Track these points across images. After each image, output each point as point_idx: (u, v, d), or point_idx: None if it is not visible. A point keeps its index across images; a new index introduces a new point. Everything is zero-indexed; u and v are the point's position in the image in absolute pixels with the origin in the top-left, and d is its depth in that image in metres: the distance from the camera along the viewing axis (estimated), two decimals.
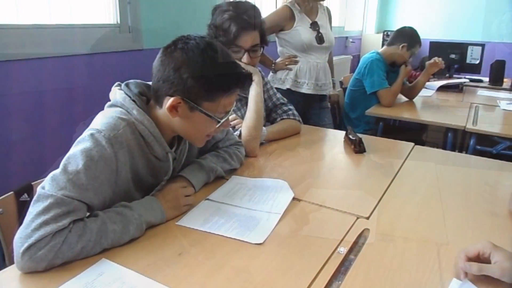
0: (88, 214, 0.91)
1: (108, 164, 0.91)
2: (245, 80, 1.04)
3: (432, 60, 2.73)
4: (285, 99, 1.82)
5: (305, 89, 2.46)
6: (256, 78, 1.53)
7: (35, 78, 1.70)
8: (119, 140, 0.93)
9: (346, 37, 5.01)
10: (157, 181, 1.10)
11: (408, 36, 2.79)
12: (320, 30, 2.41)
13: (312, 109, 2.59)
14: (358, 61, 2.90)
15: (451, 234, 1.01)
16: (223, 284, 0.80)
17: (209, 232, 0.97)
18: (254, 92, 1.52)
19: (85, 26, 1.92)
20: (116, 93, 1.03)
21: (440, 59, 2.71)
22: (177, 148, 1.13)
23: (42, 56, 1.70)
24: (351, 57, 4.88)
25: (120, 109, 1.00)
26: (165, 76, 0.96)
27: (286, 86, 2.44)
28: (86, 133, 0.92)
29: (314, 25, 2.40)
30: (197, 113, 0.99)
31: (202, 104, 0.99)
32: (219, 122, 1.03)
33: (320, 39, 2.40)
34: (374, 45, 2.89)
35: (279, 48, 2.51)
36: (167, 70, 0.96)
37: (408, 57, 2.75)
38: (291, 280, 0.81)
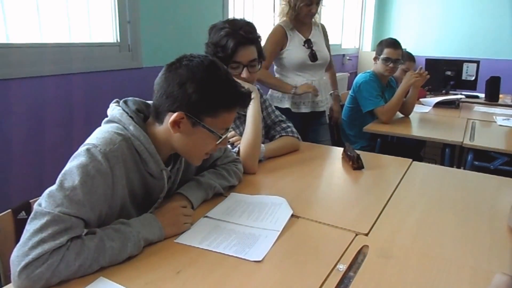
0: (85, 230, 0.90)
1: (104, 179, 0.91)
2: (246, 97, 1.07)
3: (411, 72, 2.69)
4: (283, 116, 1.83)
5: (303, 109, 2.49)
6: (253, 95, 1.54)
7: (34, 97, 1.71)
8: (115, 155, 0.94)
9: (343, 55, 5.07)
10: (151, 199, 1.10)
11: (376, 47, 2.82)
12: (314, 48, 2.44)
13: (311, 126, 2.61)
14: (354, 80, 2.93)
15: (451, 250, 1.00)
16: None
17: (208, 250, 0.97)
18: (252, 108, 1.53)
19: (84, 44, 1.95)
20: (114, 109, 1.04)
21: (422, 69, 2.67)
22: (173, 167, 1.13)
23: (42, 75, 1.72)
24: (348, 74, 4.93)
25: (117, 124, 1.01)
26: (169, 92, 0.98)
27: (286, 105, 2.46)
28: (82, 148, 0.92)
29: (308, 43, 2.43)
30: (199, 129, 1.00)
31: (204, 119, 1.00)
32: (220, 138, 1.04)
33: (313, 56, 2.42)
34: (371, 62, 2.91)
35: (275, 68, 2.54)
36: (171, 85, 0.98)
37: (388, 69, 2.73)
38: None
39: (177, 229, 1.03)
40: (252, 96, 1.54)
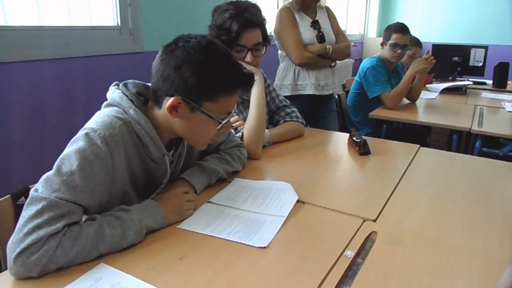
0: (86, 218, 0.88)
1: (103, 165, 0.88)
2: (248, 80, 1.01)
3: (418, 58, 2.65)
4: (288, 101, 1.79)
5: (307, 91, 2.43)
6: (257, 79, 1.51)
7: (34, 81, 1.68)
8: (114, 140, 0.90)
9: None
10: (154, 184, 1.06)
11: (384, 32, 2.75)
12: (321, 29, 2.39)
13: (319, 112, 2.55)
14: (359, 66, 2.87)
15: (462, 237, 0.97)
16: None
17: (211, 236, 0.94)
18: (255, 92, 1.49)
19: (85, 28, 1.91)
20: (113, 93, 1.01)
21: (429, 53, 2.63)
22: (175, 151, 1.10)
23: (42, 59, 1.68)
24: (353, 61, 4.86)
25: (117, 108, 0.97)
26: (165, 75, 0.93)
27: (286, 93, 2.41)
28: (81, 132, 0.89)
29: (315, 24, 2.38)
30: (197, 114, 0.96)
31: (203, 104, 0.95)
32: (220, 123, 1.00)
33: (321, 38, 2.38)
34: (376, 48, 2.86)
35: (280, 51, 2.49)
36: (168, 69, 0.93)
37: (396, 55, 2.68)
38: (297, 284, 0.78)
39: (180, 215, 1.01)
40: (256, 79, 1.52)
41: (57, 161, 0.85)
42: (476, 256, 0.89)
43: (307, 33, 2.37)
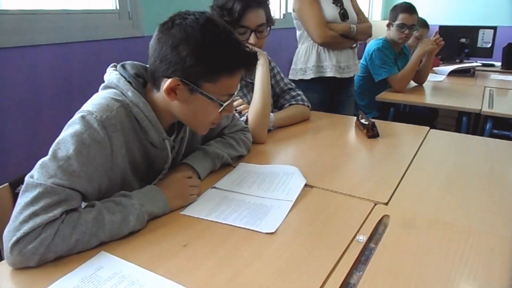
0: (85, 204, 0.84)
1: (101, 149, 0.83)
2: (250, 58, 0.94)
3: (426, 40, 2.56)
4: (293, 84, 1.74)
5: (328, 73, 2.26)
6: (261, 60, 1.46)
7: (31, 67, 1.63)
8: (112, 123, 0.86)
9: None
10: (155, 170, 1.02)
11: (390, 13, 2.66)
12: (344, 5, 2.23)
13: (338, 96, 2.42)
14: (365, 48, 2.80)
15: (479, 220, 0.93)
16: (233, 276, 0.73)
17: (216, 222, 0.90)
18: (260, 74, 1.44)
19: (82, 12, 1.85)
20: (111, 74, 0.96)
21: (437, 34, 2.55)
22: (177, 136, 1.05)
23: (38, 44, 1.63)
24: (358, 44, 4.76)
25: (114, 90, 0.92)
26: (162, 55, 0.88)
27: (310, 75, 2.26)
28: (77, 115, 0.84)
29: (337, 1, 2.22)
30: (197, 96, 0.91)
31: (202, 85, 0.90)
32: (221, 105, 0.94)
33: (343, 15, 2.22)
34: (380, 32, 2.78)
35: (298, 32, 2.34)
36: (164, 48, 0.87)
37: (403, 36, 2.60)
38: (308, 271, 0.74)
39: (183, 201, 0.97)
40: (260, 61, 1.47)
41: (53, 145, 0.80)
42: (496, 239, 0.84)
43: (330, 10, 2.20)
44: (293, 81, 2.06)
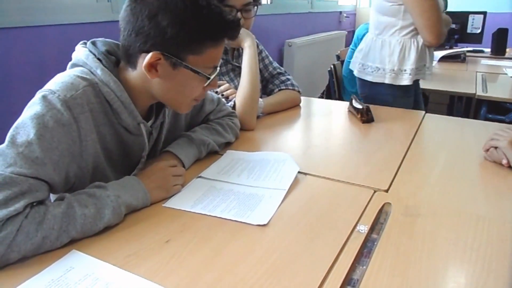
0: (54, 198, 0.75)
1: (66, 132, 0.74)
2: (234, 25, 0.85)
3: None
4: (282, 68, 1.65)
5: (427, 76, 1.80)
6: (249, 41, 1.37)
7: (2, 50, 1.51)
8: (78, 102, 0.76)
9: (340, 12, 4.81)
10: (132, 160, 0.93)
11: None
12: None
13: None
14: (353, 37, 2.72)
15: (486, 206, 0.86)
16: (221, 274, 0.64)
17: (202, 214, 0.82)
18: (247, 56, 1.35)
19: None
20: (79, 51, 0.86)
21: None
22: (155, 121, 0.96)
23: (8, 26, 1.51)
24: (346, 32, 4.69)
25: (82, 68, 0.83)
26: (138, 28, 0.78)
27: (407, 81, 1.74)
28: (37, 95, 0.75)
29: None
30: (181, 70, 0.82)
31: (186, 58, 0.81)
32: (208, 79, 0.86)
33: (446, 2, 1.77)
34: (368, 18, 2.71)
35: (387, 19, 1.75)
36: (140, 19, 0.77)
37: None
38: (306, 266, 0.66)
39: (165, 192, 0.88)
40: (247, 42, 1.38)
41: (11, 130, 0.71)
42: (506, 226, 0.78)
43: None
44: (379, 84, 1.77)
